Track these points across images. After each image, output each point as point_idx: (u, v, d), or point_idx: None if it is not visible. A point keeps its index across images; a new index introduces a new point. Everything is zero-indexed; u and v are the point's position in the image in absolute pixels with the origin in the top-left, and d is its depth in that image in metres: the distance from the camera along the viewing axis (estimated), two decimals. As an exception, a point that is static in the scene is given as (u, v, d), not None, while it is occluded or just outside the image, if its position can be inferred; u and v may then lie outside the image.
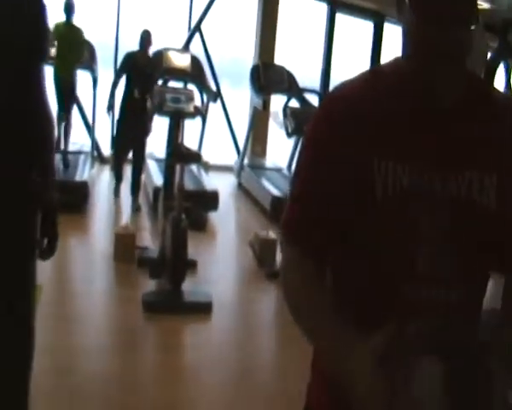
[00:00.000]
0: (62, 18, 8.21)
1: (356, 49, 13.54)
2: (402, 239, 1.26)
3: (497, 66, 10.67)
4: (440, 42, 1.21)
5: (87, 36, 8.93)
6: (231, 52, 16.20)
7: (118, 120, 8.42)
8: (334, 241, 1.35)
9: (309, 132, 1.38)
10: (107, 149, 10.20)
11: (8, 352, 2.77)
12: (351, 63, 13.55)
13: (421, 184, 1.25)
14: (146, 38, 8.16)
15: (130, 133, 8.06)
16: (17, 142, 2.50)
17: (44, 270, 5.29)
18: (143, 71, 7.97)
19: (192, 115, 7.88)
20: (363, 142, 1.27)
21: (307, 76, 13.71)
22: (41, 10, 2.59)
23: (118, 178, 8.39)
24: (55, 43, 8.08)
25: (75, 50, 8.32)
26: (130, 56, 8.19)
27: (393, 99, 1.29)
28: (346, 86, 1.38)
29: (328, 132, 1.32)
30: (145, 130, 8.13)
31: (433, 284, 1.26)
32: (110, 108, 8.49)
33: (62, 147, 8.45)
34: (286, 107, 8.17)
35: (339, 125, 1.30)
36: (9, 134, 2.47)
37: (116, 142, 8.74)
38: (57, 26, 8.18)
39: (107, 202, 8.53)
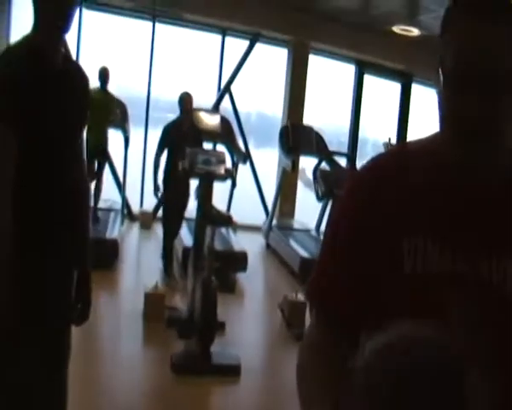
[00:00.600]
0: (96, 84, 8.44)
1: (384, 109, 13.64)
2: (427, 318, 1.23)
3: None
4: (468, 116, 1.15)
5: (119, 94, 9.15)
6: (257, 107, 16.33)
7: (164, 201, 7.91)
8: (361, 316, 1.32)
9: (340, 206, 1.42)
10: (136, 207, 10.33)
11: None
12: (379, 124, 13.65)
13: (452, 265, 1.21)
14: (186, 99, 7.55)
15: (179, 213, 7.76)
16: (65, 214, 2.60)
17: (73, 328, 5.37)
18: (187, 139, 7.23)
19: (223, 178, 7.97)
20: (394, 219, 1.27)
21: (335, 136, 13.85)
22: (86, 83, 2.73)
23: (169, 259, 7.68)
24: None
25: (108, 115, 8.53)
26: (170, 127, 7.60)
27: (427, 176, 1.27)
28: (377, 162, 1.39)
29: (358, 209, 1.32)
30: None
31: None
32: (157, 189, 7.70)
33: (93, 204, 8.58)
34: (316, 169, 8.22)
35: (371, 203, 1.30)
36: (61, 207, 2.56)
37: (164, 223, 7.91)
38: (92, 94, 8.37)
39: (137, 259, 8.61)
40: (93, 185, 8.61)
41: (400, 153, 1.41)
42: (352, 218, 1.33)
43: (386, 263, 1.26)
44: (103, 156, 8.69)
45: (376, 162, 1.39)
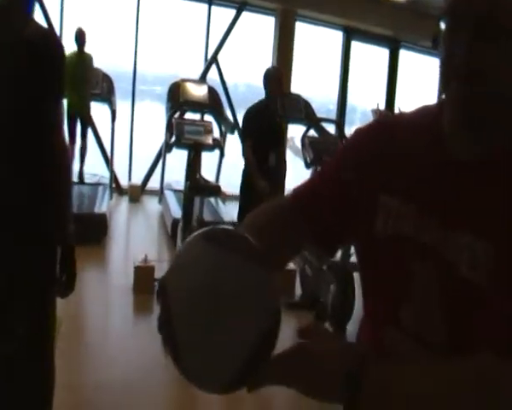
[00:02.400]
0: (74, 47, 8.36)
1: (372, 76, 13.57)
2: (391, 282, 1.26)
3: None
4: (458, 90, 1.13)
5: (105, 68, 9.05)
6: (245, 78, 16.24)
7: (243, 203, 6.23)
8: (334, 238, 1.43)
9: (335, 154, 1.49)
10: (125, 181, 10.25)
11: (28, 389, 2.76)
12: (367, 91, 13.58)
13: (420, 233, 1.20)
14: (274, 75, 5.94)
15: None
16: (36, 179, 2.53)
17: (63, 304, 5.33)
18: (276, 123, 5.92)
19: (211, 147, 7.90)
20: (377, 177, 1.30)
21: (324, 104, 13.77)
22: (54, 53, 2.63)
23: None
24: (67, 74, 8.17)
25: (86, 79, 8.44)
26: (256, 112, 5.85)
27: (413, 145, 1.28)
28: (375, 125, 1.43)
29: (348, 158, 1.39)
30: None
31: (410, 337, 1.23)
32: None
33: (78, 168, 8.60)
34: (304, 137, 8.13)
35: (361, 155, 1.34)
36: (30, 171, 2.50)
37: None
38: (68, 57, 8.32)
39: (126, 233, 8.56)
40: (77, 148, 8.57)
41: (396, 119, 1.45)
42: (343, 161, 1.40)
43: (363, 213, 1.30)
44: (85, 118, 8.60)
45: (371, 125, 1.42)
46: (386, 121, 1.46)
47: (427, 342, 1.19)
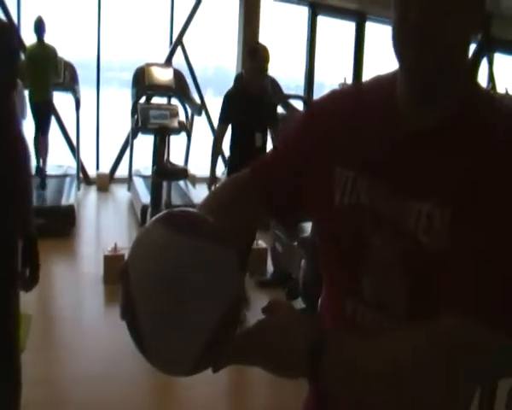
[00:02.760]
0: (33, 38, 8.17)
1: (339, 50, 13.52)
2: (350, 253, 1.26)
3: (480, 59, 10.63)
4: (409, 53, 1.11)
5: (68, 56, 8.89)
6: (215, 60, 16.20)
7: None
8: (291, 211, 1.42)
9: (291, 128, 1.45)
10: (92, 170, 10.09)
11: None
12: (335, 66, 13.56)
13: (377, 202, 1.21)
14: (260, 52, 5.32)
15: None
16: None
17: (33, 299, 5.25)
18: (260, 104, 5.36)
19: (177, 131, 7.84)
20: (333, 149, 1.29)
21: (292, 81, 13.70)
22: (9, 41, 2.53)
23: None
24: (28, 65, 8.06)
25: (49, 70, 8.26)
26: (233, 94, 5.50)
27: (369, 115, 1.26)
28: (331, 95, 1.42)
29: (305, 131, 1.38)
30: None
31: (371, 307, 1.23)
32: (214, 180, 5.80)
33: (41, 162, 8.44)
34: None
35: (317, 127, 1.34)
36: None
37: None
38: (29, 49, 8.18)
39: (95, 223, 8.45)
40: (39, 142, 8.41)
41: (353, 89, 1.45)
42: (299, 135, 1.39)
43: (321, 187, 1.30)
44: (48, 116, 8.44)
45: (331, 94, 1.43)
46: (342, 92, 1.46)
47: (389, 311, 1.19)
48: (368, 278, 1.22)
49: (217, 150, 5.65)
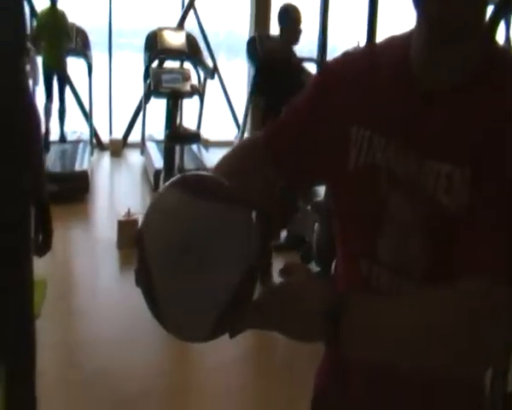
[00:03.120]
0: (45, 4, 8.15)
1: (352, 12, 13.36)
2: (365, 215, 1.24)
3: (498, 21, 10.45)
4: (433, 15, 1.07)
5: (79, 22, 8.85)
6: (226, 26, 16.05)
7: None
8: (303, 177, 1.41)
9: (304, 90, 1.41)
10: (106, 136, 10.06)
11: (12, 357, 2.72)
12: (348, 30, 13.39)
13: (394, 163, 1.18)
14: (293, 14, 4.99)
15: None
16: (5, 139, 2.43)
17: (48, 265, 5.27)
18: (291, 70, 5.03)
19: (189, 94, 7.79)
20: (349, 109, 1.26)
21: (306, 46, 13.56)
22: (16, 3, 2.50)
23: None
24: (40, 31, 8.07)
25: (61, 36, 8.24)
26: (265, 64, 5.24)
27: (383, 76, 1.24)
28: (345, 56, 1.40)
29: (319, 93, 1.33)
30: None
31: (387, 269, 1.22)
32: None
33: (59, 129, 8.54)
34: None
35: (331, 88, 1.30)
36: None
37: None
38: (40, 15, 8.18)
39: (109, 188, 8.46)
40: (56, 107, 8.42)
41: (367, 50, 1.40)
42: (313, 96, 1.35)
43: (335, 147, 1.27)
44: (61, 76, 8.44)
45: (345, 55, 1.41)
46: (355, 53, 1.43)
47: (406, 273, 1.18)
48: (384, 239, 1.20)
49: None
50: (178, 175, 1.10)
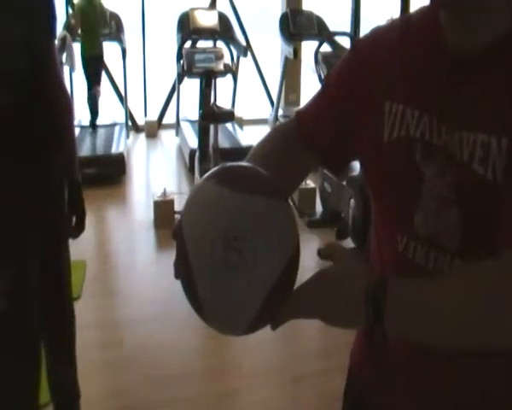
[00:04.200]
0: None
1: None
2: (400, 188, 1.22)
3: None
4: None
5: (112, 7, 8.90)
6: (259, 3, 15.96)
7: None
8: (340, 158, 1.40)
9: (335, 68, 1.40)
10: (141, 118, 10.12)
11: (50, 332, 2.83)
12: (382, 2, 13.23)
13: (428, 135, 1.16)
14: None
15: None
16: (37, 122, 2.45)
17: (87, 246, 5.35)
18: None
19: (222, 73, 7.77)
20: (380, 85, 1.25)
21: (337, 20, 13.44)
22: None
23: None
24: (77, 18, 8.16)
25: (98, 23, 8.33)
26: None
27: (414, 47, 1.22)
28: (375, 31, 1.36)
29: (350, 70, 1.32)
30: None
31: (423, 243, 1.18)
32: None
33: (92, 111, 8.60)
34: (317, 52, 7.91)
35: (362, 64, 1.30)
36: (29, 114, 2.41)
37: None
38: (77, 2, 8.27)
39: (145, 170, 8.51)
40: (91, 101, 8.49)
41: (400, 23, 1.35)
42: (344, 74, 1.34)
43: (369, 123, 1.26)
44: (99, 63, 8.53)
45: (376, 30, 1.37)
46: (386, 27, 1.38)
47: (443, 246, 1.15)
48: (420, 212, 1.18)
49: None
50: (215, 168, 1.09)
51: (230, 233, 0.97)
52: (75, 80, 9.06)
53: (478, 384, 1.21)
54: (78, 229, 2.75)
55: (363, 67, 1.29)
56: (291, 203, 6.43)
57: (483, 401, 1.22)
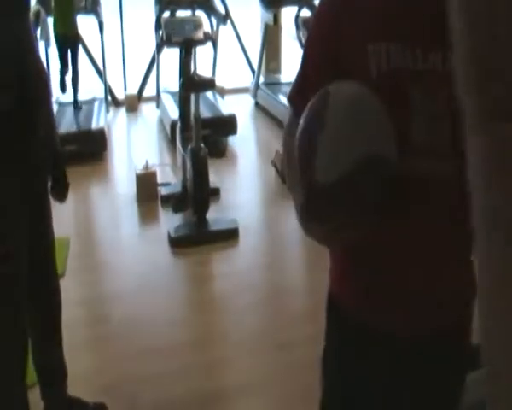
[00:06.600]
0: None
1: None
2: (396, 113, 1.29)
3: None
4: None
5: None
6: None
7: None
8: None
9: (314, 16, 1.56)
10: (120, 92, 9.95)
11: (35, 310, 2.78)
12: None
13: (415, 64, 1.30)
14: None
15: None
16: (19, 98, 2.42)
17: (70, 222, 5.27)
18: None
19: (202, 42, 7.64)
20: (360, 30, 1.35)
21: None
22: None
23: None
24: None
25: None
26: None
27: None
28: None
29: (329, 18, 1.42)
30: None
31: (426, 156, 1.32)
32: None
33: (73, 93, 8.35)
34: (297, 17, 7.81)
35: (340, 14, 1.39)
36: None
37: None
38: None
39: (126, 144, 8.42)
40: (70, 75, 8.29)
41: None
42: (324, 26, 1.45)
43: (353, 66, 1.37)
44: (74, 43, 8.27)
45: None
46: None
47: (438, 154, 1.31)
48: (416, 129, 1.31)
49: None
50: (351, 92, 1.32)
51: (362, 104, 1.30)
52: (51, 56, 8.84)
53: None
54: (60, 195, 2.79)
55: (345, 12, 1.38)
56: (274, 169, 6.39)
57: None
